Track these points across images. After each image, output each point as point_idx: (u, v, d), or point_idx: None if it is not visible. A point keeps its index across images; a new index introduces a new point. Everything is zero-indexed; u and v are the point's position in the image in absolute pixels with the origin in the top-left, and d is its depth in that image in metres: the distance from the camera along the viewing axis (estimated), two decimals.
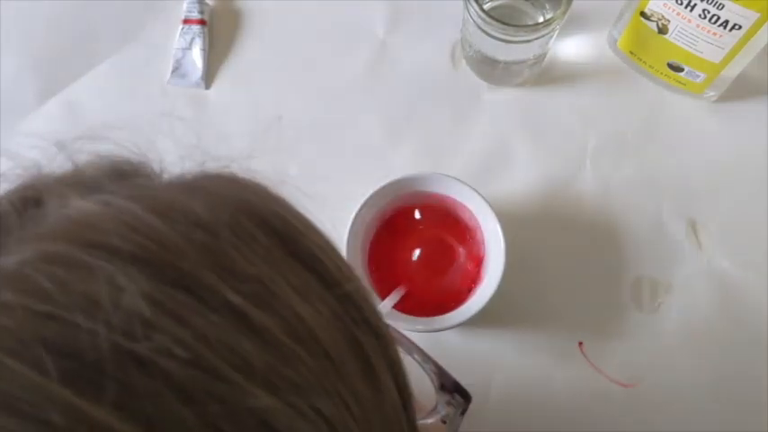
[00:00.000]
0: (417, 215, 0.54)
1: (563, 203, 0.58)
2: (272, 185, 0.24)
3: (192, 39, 0.61)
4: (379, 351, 0.23)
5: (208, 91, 0.61)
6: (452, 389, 0.34)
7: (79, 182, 0.22)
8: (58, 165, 0.23)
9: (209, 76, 0.62)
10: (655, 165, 0.58)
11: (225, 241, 0.20)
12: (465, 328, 0.52)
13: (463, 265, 0.53)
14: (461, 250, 0.54)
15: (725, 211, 0.57)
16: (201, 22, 0.62)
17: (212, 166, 0.24)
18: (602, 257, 0.56)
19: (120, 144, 0.24)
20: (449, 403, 0.34)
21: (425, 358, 0.34)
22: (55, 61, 0.62)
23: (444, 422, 0.34)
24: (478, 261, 0.53)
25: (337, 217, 0.48)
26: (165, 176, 0.24)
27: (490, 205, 0.51)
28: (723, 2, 0.49)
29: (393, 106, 0.60)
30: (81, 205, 0.20)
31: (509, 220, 0.51)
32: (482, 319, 0.51)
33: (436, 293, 0.53)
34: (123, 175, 0.23)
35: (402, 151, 0.59)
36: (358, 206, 0.51)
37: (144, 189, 0.22)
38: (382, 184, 0.52)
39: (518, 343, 0.55)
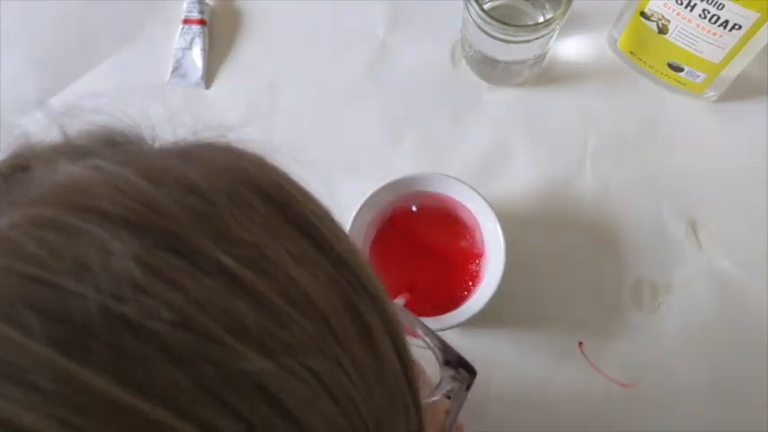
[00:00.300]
0: (417, 215, 0.54)
1: (563, 203, 0.58)
2: (266, 154, 0.24)
3: (192, 39, 0.61)
4: (377, 317, 0.22)
5: (208, 91, 0.61)
6: (457, 363, 0.34)
7: (69, 148, 0.22)
8: (47, 134, 0.23)
9: (209, 76, 0.62)
10: (655, 165, 0.58)
11: (220, 207, 0.20)
12: (465, 328, 0.52)
13: (463, 266, 0.53)
14: (461, 250, 0.54)
15: (725, 211, 0.57)
16: (201, 22, 0.62)
17: (207, 136, 0.24)
18: (602, 257, 0.56)
19: (112, 114, 0.23)
20: (453, 378, 0.33)
21: (428, 332, 0.34)
22: (55, 61, 0.62)
23: (449, 397, 0.34)
24: (478, 261, 0.53)
25: (337, 217, 0.47)
26: (158, 145, 0.23)
27: (490, 205, 0.51)
28: (723, 2, 0.49)
29: (393, 106, 0.60)
30: (70, 170, 0.20)
31: (509, 220, 0.51)
32: (482, 319, 0.51)
33: (436, 293, 0.53)
34: (115, 143, 0.23)
35: (402, 151, 0.59)
36: (358, 206, 0.51)
37: (137, 155, 0.22)
38: (382, 183, 0.52)
39: (518, 343, 0.55)
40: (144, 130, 0.23)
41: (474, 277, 0.53)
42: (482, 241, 0.53)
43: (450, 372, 0.34)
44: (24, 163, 0.21)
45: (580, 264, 0.56)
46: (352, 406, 0.20)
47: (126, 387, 0.16)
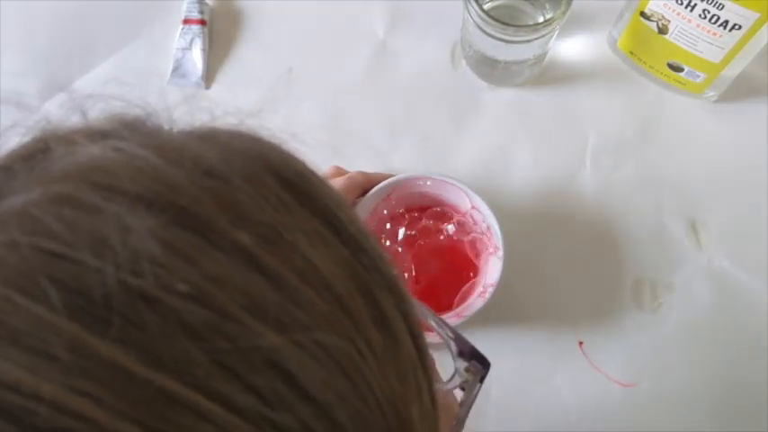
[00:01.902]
0: (417, 215, 0.54)
1: (563, 203, 0.58)
2: (282, 142, 0.24)
3: (192, 39, 0.61)
4: (391, 301, 0.22)
5: (208, 91, 0.61)
6: (470, 355, 0.34)
7: (89, 130, 0.22)
8: (67, 118, 0.23)
9: (209, 76, 0.62)
10: (655, 165, 0.58)
11: (237, 188, 0.20)
12: (464, 328, 0.52)
13: (462, 266, 0.53)
14: (461, 250, 0.54)
15: (725, 211, 0.57)
16: (201, 22, 0.62)
17: (224, 123, 0.24)
18: (602, 257, 0.56)
19: (131, 101, 0.24)
20: (467, 370, 0.34)
21: (441, 323, 0.34)
22: (55, 61, 0.62)
23: (463, 389, 0.34)
24: (478, 261, 0.53)
25: None
26: (176, 130, 0.24)
27: (489, 205, 0.51)
28: (723, 2, 0.49)
29: (393, 106, 0.60)
30: (90, 150, 0.20)
31: (509, 220, 0.51)
32: (482, 319, 0.51)
33: (435, 293, 0.53)
34: (134, 127, 0.23)
35: (402, 151, 0.59)
36: (357, 206, 0.51)
37: (155, 138, 0.22)
38: (382, 183, 0.52)
39: (518, 343, 0.55)
40: (162, 115, 0.24)
41: (473, 277, 0.53)
42: (482, 241, 0.53)
43: (463, 363, 0.34)
44: (44, 144, 0.21)
45: (580, 263, 0.56)
46: (366, 386, 0.20)
47: (143, 360, 0.17)
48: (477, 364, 0.34)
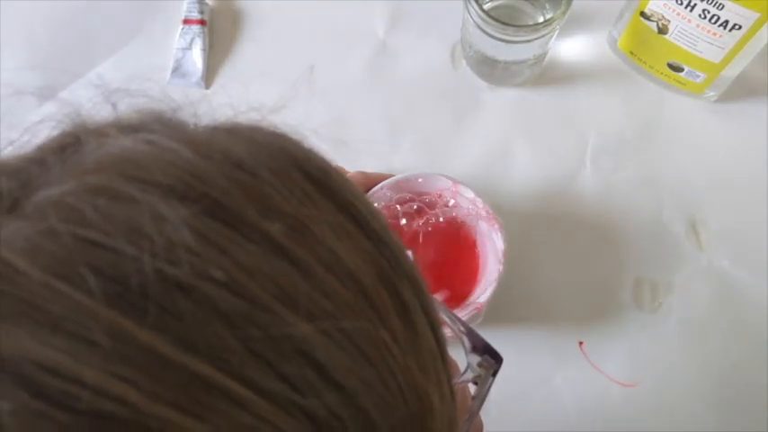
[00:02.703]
0: (416, 215, 0.54)
1: (563, 203, 0.58)
2: (303, 138, 0.24)
3: (192, 39, 0.61)
4: (412, 294, 0.23)
5: (208, 91, 0.61)
6: (483, 350, 0.34)
7: (120, 123, 0.23)
8: (99, 111, 0.24)
9: (209, 76, 0.62)
10: (655, 165, 0.58)
11: (264, 182, 0.21)
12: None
13: (462, 265, 0.53)
14: (460, 250, 0.54)
15: (725, 211, 0.57)
16: (201, 22, 0.62)
17: (245, 119, 0.25)
18: (602, 257, 0.56)
19: (156, 96, 0.24)
20: (480, 365, 0.34)
21: (454, 318, 0.34)
22: (55, 61, 0.62)
23: (476, 383, 0.34)
24: (478, 261, 0.53)
25: None
26: (201, 125, 0.24)
27: (489, 205, 0.51)
28: (723, 2, 0.49)
29: (393, 106, 0.60)
30: (122, 143, 0.21)
31: (509, 220, 0.51)
32: (482, 319, 0.51)
33: (435, 293, 0.53)
34: (163, 121, 0.24)
35: (402, 151, 0.59)
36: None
37: (184, 132, 0.23)
38: (382, 183, 0.52)
39: (518, 343, 0.55)
40: (187, 111, 0.24)
41: (473, 277, 0.53)
42: (482, 241, 0.53)
43: (476, 358, 0.34)
44: (76, 138, 0.22)
45: (580, 263, 0.56)
46: (390, 373, 0.20)
47: (179, 346, 0.17)
48: (490, 358, 0.34)
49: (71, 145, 0.21)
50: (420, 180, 0.52)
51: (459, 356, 0.34)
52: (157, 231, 0.18)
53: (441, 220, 0.54)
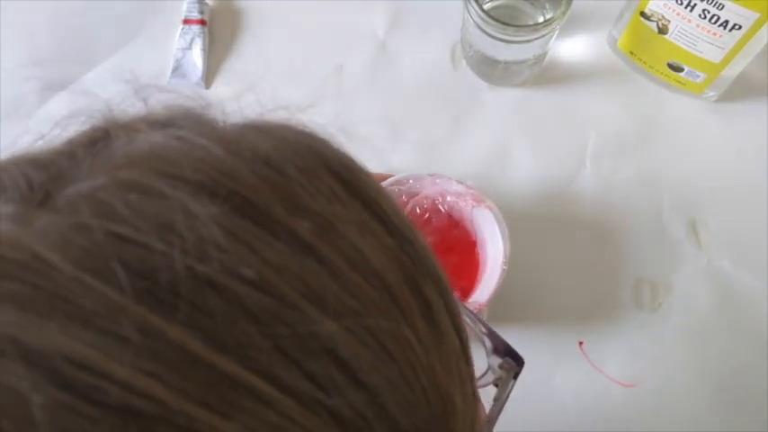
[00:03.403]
0: (417, 215, 0.54)
1: (563, 203, 0.58)
2: (331, 135, 0.25)
3: (192, 39, 0.61)
4: (436, 293, 0.23)
5: (208, 91, 0.61)
6: (504, 352, 0.34)
7: (150, 119, 0.23)
8: (128, 106, 0.24)
9: (209, 76, 0.62)
10: (655, 165, 0.58)
11: (292, 179, 0.21)
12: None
13: (463, 265, 0.53)
14: (461, 250, 0.54)
15: (725, 211, 0.57)
16: (201, 22, 0.62)
17: (274, 115, 0.25)
18: (602, 257, 0.56)
19: (185, 94, 0.24)
20: (501, 367, 0.34)
21: (475, 319, 0.34)
22: (55, 61, 0.62)
23: (497, 385, 0.34)
24: (478, 261, 0.53)
25: None
26: (229, 123, 0.24)
27: (494, 208, 0.51)
28: (723, 2, 0.49)
29: (393, 106, 0.60)
30: (152, 138, 0.21)
31: (509, 220, 0.51)
32: (485, 318, 0.51)
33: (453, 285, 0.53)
34: (192, 116, 0.24)
35: (402, 151, 0.59)
36: None
37: (213, 128, 0.23)
38: (381, 183, 0.52)
39: (518, 343, 0.55)
40: (214, 108, 0.25)
41: (473, 277, 0.53)
42: (482, 241, 0.53)
43: (497, 360, 0.34)
44: (105, 132, 0.22)
45: (580, 264, 0.56)
46: (413, 373, 0.20)
47: (208, 344, 0.17)
48: (512, 360, 0.34)
49: (101, 139, 0.22)
50: (411, 181, 0.52)
51: (479, 356, 0.34)
52: (188, 228, 0.18)
53: (435, 218, 0.54)
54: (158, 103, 0.24)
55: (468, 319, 0.34)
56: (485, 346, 0.34)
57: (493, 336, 0.34)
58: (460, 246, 0.54)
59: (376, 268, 0.21)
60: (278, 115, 0.25)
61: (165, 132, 0.21)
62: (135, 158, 0.20)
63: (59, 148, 0.22)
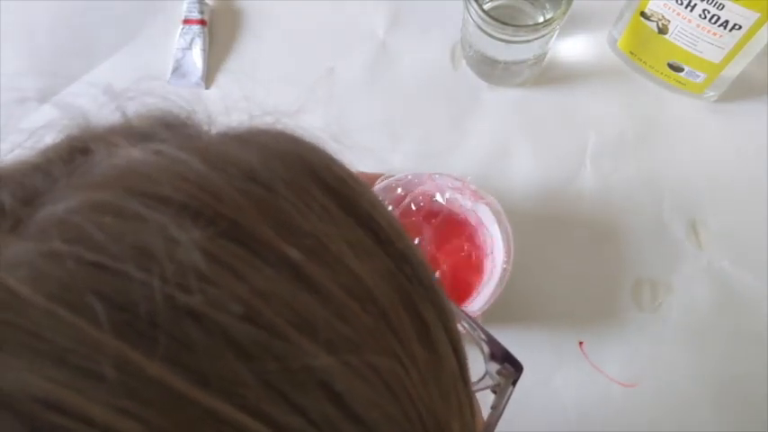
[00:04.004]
0: (417, 215, 0.54)
1: (563, 203, 0.58)
2: (322, 142, 0.23)
3: (192, 39, 0.61)
4: (434, 314, 0.22)
5: (208, 91, 0.61)
6: (503, 358, 0.33)
7: (129, 131, 0.21)
8: (106, 115, 0.22)
9: (209, 76, 0.62)
10: (655, 165, 0.58)
11: (280, 196, 0.20)
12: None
13: (463, 266, 0.53)
14: (461, 250, 0.54)
15: (725, 211, 0.57)
16: (201, 22, 0.62)
17: (261, 122, 0.23)
18: (602, 257, 0.56)
19: (168, 98, 0.23)
20: (499, 373, 0.33)
21: (474, 324, 0.33)
22: (55, 61, 0.62)
23: (495, 392, 0.33)
24: (478, 261, 0.53)
25: None
26: (215, 130, 0.23)
27: (492, 203, 0.51)
28: (723, 2, 0.49)
29: (393, 106, 0.60)
30: (131, 153, 0.20)
31: (509, 220, 0.51)
32: (482, 319, 0.51)
33: (455, 286, 0.53)
34: (174, 127, 0.22)
35: (402, 151, 0.59)
36: None
37: (196, 140, 0.22)
38: (382, 183, 0.52)
39: (518, 343, 0.54)
40: (200, 114, 0.23)
41: (474, 277, 0.53)
42: (482, 241, 0.53)
43: (495, 366, 0.33)
44: (84, 145, 0.21)
45: (580, 264, 0.56)
46: (411, 404, 0.20)
47: (191, 380, 0.16)
48: (510, 366, 0.33)
49: (79, 152, 0.20)
50: (409, 176, 0.52)
51: (476, 358, 0.33)
52: (168, 254, 0.17)
53: (433, 215, 0.54)
54: (143, 108, 0.23)
55: (466, 325, 0.33)
56: (482, 351, 0.33)
57: (492, 341, 0.33)
58: (460, 246, 0.54)
59: (372, 293, 0.20)
60: (266, 121, 0.23)
61: (145, 147, 0.20)
62: (112, 177, 0.19)
63: (34, 161, 0.20)
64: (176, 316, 0.17)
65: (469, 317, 0.34)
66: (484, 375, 0.33)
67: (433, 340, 0.22)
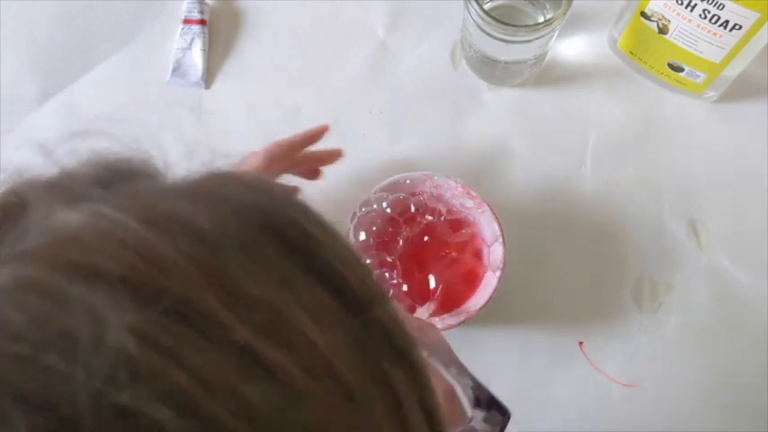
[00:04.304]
0: (417, 215, 0.54)
1: (563, 203, 0.58)
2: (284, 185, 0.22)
3: (192, 39, 0.61)
4: (408, 383, 0.20)
5: (208, 91, 0.61)
6: (488, 404, 0.33)
7: (67, 187, 0.20)
8: (47, 166, 0.21)
9: (209, 76, 0.62)
10: (655, 165, 0.58)
11: (229, 259, 0.18)
12: (465, 328, 0.52)
13: (463, 265, 0.53)
14: (461, 250, 0.54)
15: (725, 211, 0.57)
16: (201, 22, 0.62)
17: (220, 164, 0.21)
18: (602, 257, 0.56)
19: (120, 140, 0.21)
20: (485, 420, 0.32)
21: (462, 371, 0.33)
22: (55, 61, 0.62)
23: None
24: (478, 261, 0.53)
25: (336, 217, 0.47)
26: (169, 176, 0.21)
27: (490, 205, 0.51)
28: (723, 2, 0.49)
29: (393, 106, 0.60)
30: (66, 217, 0.18)
31: (509, 220, 0.51)
32: (482, 319, 0.51)
33: (436, 293, 0.53)
34: (120, 177, 0.20)
35: (402, 151, 0.59)
36: (357, 205, 0.51)
37: (140, 196, 0.20)
38: (382, 183, 0.52)
39: (518, 343, 0.55)
40: (154, 157, 0.21)
41: (474, 276, 0.53)
42: (482, 241, 0.53)
43: (482, 413, 0.32)
44: (20, 204, 0.19)
45: (580, 263, 0.56)
46: None
47: None
48: (497, 413, 0.33)
49: (12, 214, 0.18)
50: (408, 182, 0.52)
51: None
52: (94, 340, 0.15)
53: (433, 218, 0.54)
54: (85, 154, 0.21)
55: (453, 372, 0.32)
56: (469, 398, 0.33)
57: (478, 387, 0.33)
58: (460, 246, 0.54)
59: (335, 368, 0.18)
60: (225, 162, 0.21)
61: (83, 208, 0.18)
62: (42, 247, 0.17)
63: None
64: (103, 416, 0.15)
65: (460, 364, 0.33)
66: (470, 419, 0.32)
67: (406, 415, 0.20)
